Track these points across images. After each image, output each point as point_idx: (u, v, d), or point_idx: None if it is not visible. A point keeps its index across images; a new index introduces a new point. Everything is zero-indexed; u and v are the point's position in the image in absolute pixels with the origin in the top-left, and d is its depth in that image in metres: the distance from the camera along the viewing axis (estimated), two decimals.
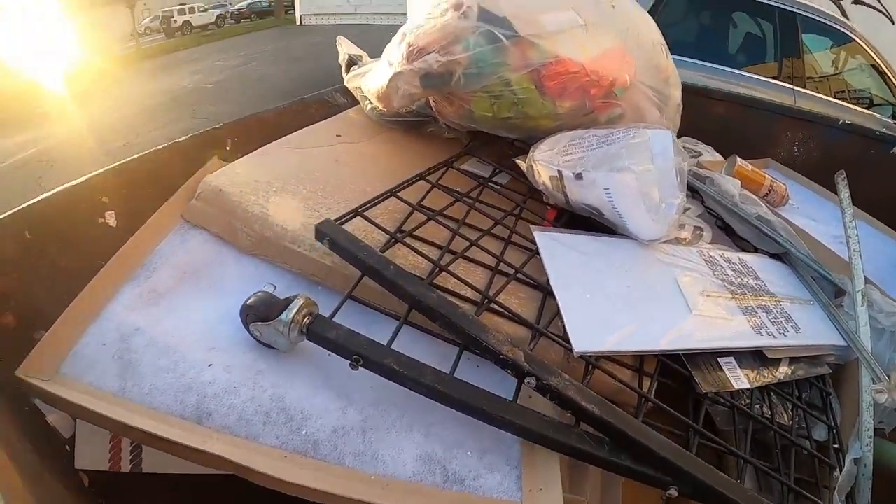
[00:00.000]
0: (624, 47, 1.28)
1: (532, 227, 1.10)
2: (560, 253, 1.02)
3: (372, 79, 1.37)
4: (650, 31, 1.38)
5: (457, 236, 1.05)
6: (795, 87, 4.26)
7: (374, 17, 8.85)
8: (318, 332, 0.83)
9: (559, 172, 1.09)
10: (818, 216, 1.54)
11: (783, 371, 1.00)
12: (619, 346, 0.88)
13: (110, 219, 1.13)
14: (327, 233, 0.94)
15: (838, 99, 4.52)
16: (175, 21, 31.97)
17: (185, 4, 33.92)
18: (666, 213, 1.02)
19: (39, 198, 1.06)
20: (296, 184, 1.15)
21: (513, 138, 1.39)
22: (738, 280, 1.11)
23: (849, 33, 4.56)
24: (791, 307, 1.10)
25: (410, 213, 1.09)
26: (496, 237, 1.10)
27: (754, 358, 0.99)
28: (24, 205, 1.03)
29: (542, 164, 1.14)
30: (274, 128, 1.47)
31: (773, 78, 4.33)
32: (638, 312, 0.94)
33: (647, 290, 0.99)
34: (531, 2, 1.22)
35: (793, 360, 1.02)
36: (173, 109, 9.64)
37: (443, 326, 0.85)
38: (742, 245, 1.34)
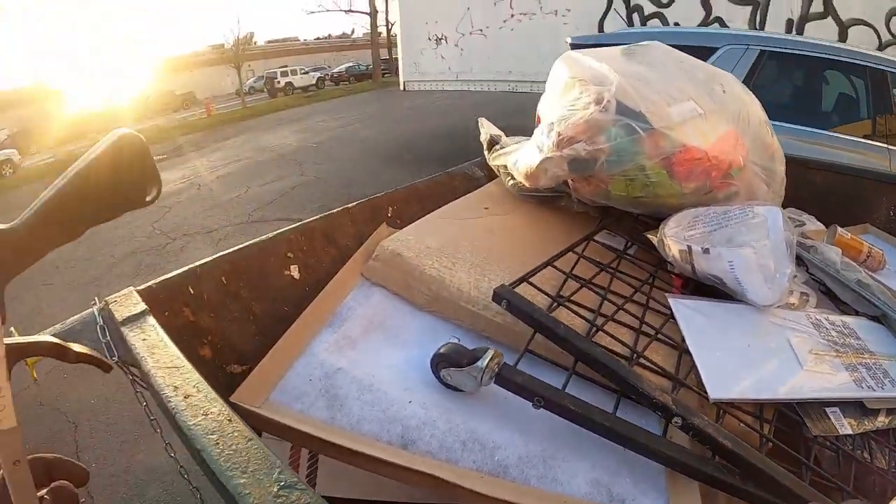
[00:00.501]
0: (737, 130, 1.46)
1: (666, 294, 1.30)
2: (691, 316, 1.21)
3: (519, 159, 1.59)
4: (757, 111, 1.54)
5: (605, 301, 1.25)
6: (890, 146, 4.21)
7: (473, 83, 9.13)
8: (507, 376, 1.02)
9: (688, 247, 1.28)
10: None
11: (881, 420, 1.11)
12: (745, 394, 1.05)
13: (294, 271, 1.36)
14: (505, 296, 1.13)
15: None
16: (278, 82, 33.75)
17: (287, 67, 35.80)
18: (780, 281, 1.20)
19: (235, 248, 1.29)
20: (462, 251, 1.38)
21: (638, 213, 1.57)
22: (841, 340, 1.24)
23: None
24: (888, 364, 1.21)
25: (565, 281, 1.29)
26: (636, 303, 1.29)
27: (856, 408, 1.11)
28: (222, 253, 1.25)
29: (673, 239, 1.33)
30: (426, 197, 1.71)
31: (867, 137, 4.31)
32: (758, 367, 1.11)
33: (764, 348, 1.16)
34: (658, 96, 1.40)
35: (890, 411, 1.13)
36: (281, 166, 10.22)
37: (604, 375, 1.04)
38: (844, 308, 1.43)
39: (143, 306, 0.99)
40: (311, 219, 1.47)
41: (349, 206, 1.55)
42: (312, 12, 38.05)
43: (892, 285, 1.49)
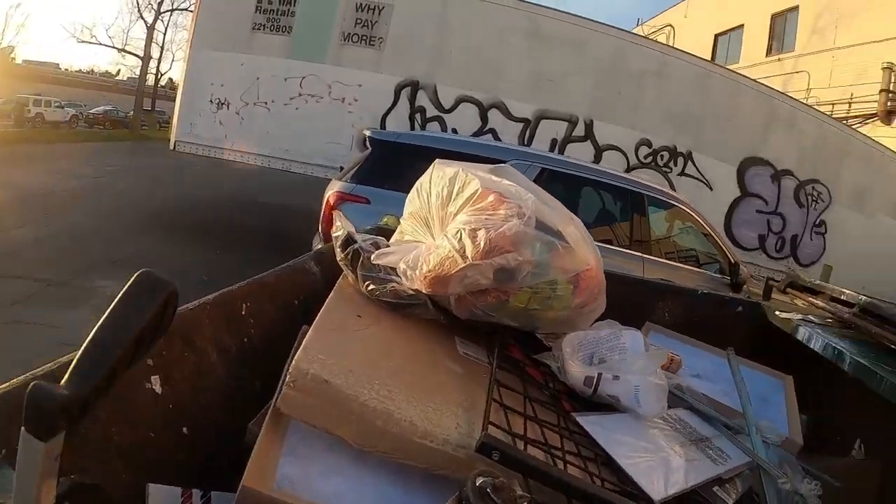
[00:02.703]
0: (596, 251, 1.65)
1: (574, 415, 1.41)
2: (602, 432, 1.35)
3: (419, 263, 1.52)
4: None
5: (543, 429, 1.31)
6: (643, 255, 5.04)
7: (248, 155, 8.86)
8: None
9: (598, 374, 1.44)
10: (701, 372, 1.92)
11: (739, 485, 1.39)
12: (673, 489, 1.23)
13: (156, 384, 1.11)
14: (496, 447, 1.04)
15: (670, 259, 5.36)
16: (28, 110, 30.18)
17: (41, 96, 32.19)
18: (665, 396, 1.45)
19: None
20: (383, 374, 1.18)
21: (512, 325, 1.60)
22: (685, 430, 1.49)
23: (682, 207, 5.47)
24: (717, 441, 1.50)
25: (507, 414, 1.29)
26: (556, 426, 1.36)
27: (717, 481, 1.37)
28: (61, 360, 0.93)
29: (579, 365, 1.48)
30: (275, 294, 1.62)
31: (626, 247, 5.16)
32: (664, 465, 1.30)
33: (657, 448, 1.35)
34: (559, 219, 1.54)
35: (738, 477, 1.40)
36: (22, 211, 8.78)
37: None
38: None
39: None
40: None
41: (204, 299, 1.35)
42: (84, 41, 34.82)
43: (690, 382, 1.75)
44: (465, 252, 1.43)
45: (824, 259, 10.64)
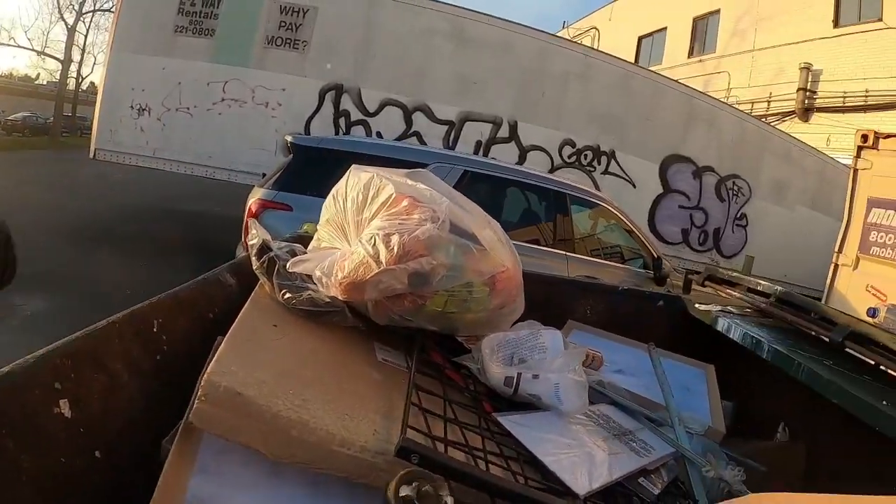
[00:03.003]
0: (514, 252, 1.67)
1: (495, 415, 1.43)
2: (524, 431, 1.36)
3: (334, 271, 1.51)
4: None
5: (463, 430, 1.31)
6: (567, 253, 5.13)
7: (170, 163, 8.59)
8: None
9: (518, 374, 1.46)
10: (624, 367, 1.96)
11: (664, 475, 1.45)
12: (597, 482, 1.26)
13: (65, 408, 1.05)
14: (416, 450, 1.02)
15: (594, 256, 5.50)
16: None
17: None
18: (586, 392, 1.48)
19: None
20: (298, 384, 1.16)
21: (431, 329, 1.61)
22: (608, 425, 1.53)
23: (605, 204, 5.62)
24: (640, 433, 1.55)
25: (426, 417, 1.28)
26: (476, 427, 1.36)
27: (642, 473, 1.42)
28: None
29: (498, 367, 1.50)
30: (189, 308, 1.56)
31: (550, 246, 5.27)
32: (588, 460, 1.32)
33: (580, 443, 1.37)
34: (475, 222, 1.56)
35: (664, 466, 1.46)
36: None
37: None
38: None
39: None
40: (74, 336, 1.15)
41: (113, 318, 1.28)
42: (2, 44, 32.97)
43: (613, 377, 1.82)
44: (378, 257, 1.42)
45: (746, 250, 11.09)
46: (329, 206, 1.70)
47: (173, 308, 1.51)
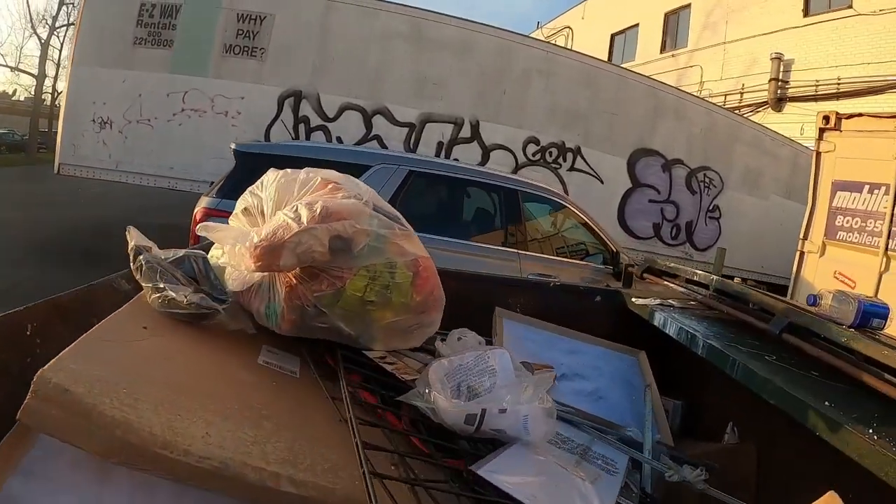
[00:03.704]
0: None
1: (471, 468, 1.26)
2: (504, 481, 1.25)
3: (249, 236, 1.39)
4: None
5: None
6: (520, 251, 5.12)
7: (132, 175, 8.54)
8: None
9: (483, 410, 1.30)
10: (567, 367, 1.95)
11: (633, 488, 1.46)
12: None
13: None
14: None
15: (559, 254, 5.48)
16: None
17: None
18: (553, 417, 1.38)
19: None
20: (140, 383, 1.13)
21: (328, 339, 1.52)
22: (568, 444, 1.51)
23: (560, 201, 5.60)
24: (599, 448, 1.54)
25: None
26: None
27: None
28: None
29: (457, 402, 1.33)
30: (70, 314, 1.49)
31: (501, 244, 5.20)
32: (571, 494, 1.29)
33: (556, 476, 1.34)
34: (395, 211, 1.54)
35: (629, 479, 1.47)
36: None
37: None
38: None
39: None
40: None
41: None
42: None
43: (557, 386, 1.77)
44: (300, 219, 1.34)
45: (720, 242, 11.04)
46: (245, 199, 1.63)
47: (51, 313, 1.46)
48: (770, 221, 11.48)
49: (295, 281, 1.44)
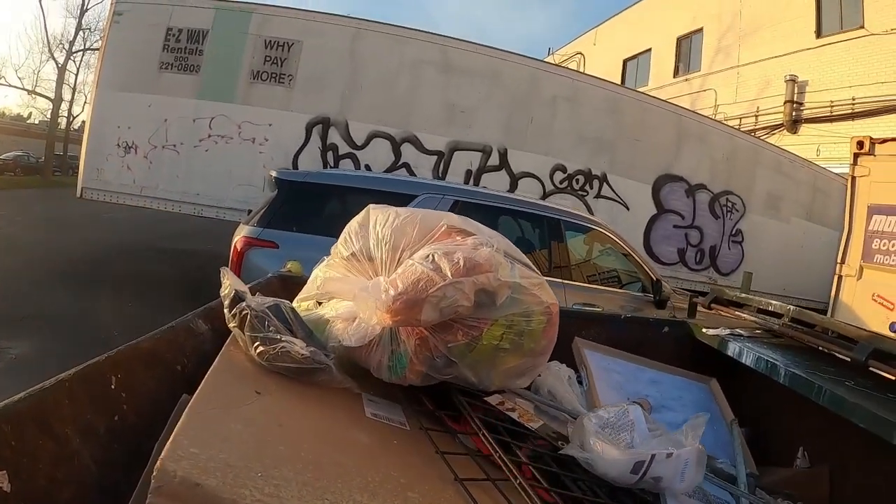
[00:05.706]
0: None
1: None
2: None
3: (382, 287, 1.32)
4: None
5: None
6: (564, 281, 5.01)
7: (157, 201, 8.53)
8: None
9: (651, 455, 1.23)
10: (656, 399, 1.97)
11: None
12: None
13: (3, 481, 0.93)
14: None
15: (590, 282, 5.38)
16: None
17: None
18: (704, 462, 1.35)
19: None
20: (271, 463, 0.99)
21: (456, 385, 1.45)
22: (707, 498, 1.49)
23: (600, 229, 5.56)
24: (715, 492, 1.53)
25: None
26: None
27: None
28: None
29: (622, 449, 1.27)
30: (153, 360, 1.40)
31: (546, 275, 5.09)
32: None
33: None
34: (521, 255, 1.51)
35: None
36: None
37: None
38: None
39: None
40: (16, 398, 1.01)
41: (63, 376, 1.13)
42: None
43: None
44: (442, 271, 1.28)
45: (744, 266, 10.97)
46: (348, 242, 1.54)
47: (133, 361, 1.36)
48: (791, 244, 11.47)
49: (427, 332, 1.37)
